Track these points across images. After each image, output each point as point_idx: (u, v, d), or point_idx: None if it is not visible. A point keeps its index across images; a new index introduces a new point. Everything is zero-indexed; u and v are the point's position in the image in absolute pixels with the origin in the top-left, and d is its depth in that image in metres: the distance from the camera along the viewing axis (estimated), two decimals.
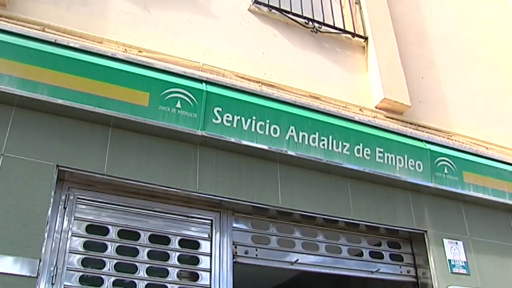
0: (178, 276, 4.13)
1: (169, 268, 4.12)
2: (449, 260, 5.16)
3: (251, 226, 4.60)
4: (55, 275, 3.69)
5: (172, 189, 4.18)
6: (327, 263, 4.81)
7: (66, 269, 3.77)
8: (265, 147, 4.52)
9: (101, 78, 4.07)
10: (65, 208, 3.92)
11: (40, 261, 3.54)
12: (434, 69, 6.67)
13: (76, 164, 3.92)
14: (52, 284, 3.66)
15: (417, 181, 5.19)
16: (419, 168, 5.22)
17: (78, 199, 4.01)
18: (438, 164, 5.37)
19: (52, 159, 3.84)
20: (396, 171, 5.07)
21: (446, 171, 5.40)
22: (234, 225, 4.49)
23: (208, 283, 4.17)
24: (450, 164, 5.45)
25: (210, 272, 4.21)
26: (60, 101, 3.89)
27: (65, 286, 3.72)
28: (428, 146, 5.41)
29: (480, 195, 5.56)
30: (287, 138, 4.61)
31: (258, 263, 4.49)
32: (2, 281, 3.37)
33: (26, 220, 3.59)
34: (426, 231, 5.20)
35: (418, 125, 5.92)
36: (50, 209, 3.74)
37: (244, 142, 4.44)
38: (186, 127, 4.25)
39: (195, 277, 4.20)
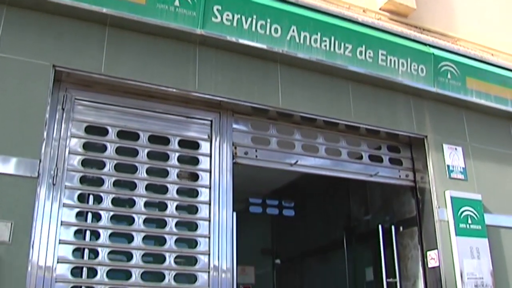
0: (178, 176, 4.16)
1: (169, 169, 4.14)
2: (448, 166, 5.20)
3: (251, 127, 4.60)
4: (56, 176, 3.72)
5: (171, 89, 4.14)
6: (327, 166, 4.85)
7: (67, 170, 3.79)
8: (265, 46, 4.42)
9: None
10: (63, 109, 3.89)
11: (40, 162, 3.56)
12: None
13: (73, 64, 3.86)
14: (53, 184, 3.69)
15: (419, 85, 5.14)
16: (422, 72, 5.14)
17: (76, 100, 3.97)
18: (442, 69, 5.28)
19: (48, 59, 3.77)
20: (398, 75, 5.00)
21: (449, 76, 5.32)
22: (234, 126, 4.48)
23: (207, 183, 4.21)
24: (454, 69, 5.36)
25: (210, 172, 4.24)
26: None
27: (66, 186, 3.75)
28: (432, 50, 5.30)
29: (482, 101, 5.53)
30: (288, 38, 4.50)
31: (258, 164, 4.52)
32: (4, 182, 3.41)
33: (24, 122, 3.58)
34: (426, 136, 5.21)
35: (423, 29, 5.77)
36: (48, 110, 3.71)
37: (244, 42, 4.34)
38: (184, 26, 4.14)
39: (195, 177, 4.23)
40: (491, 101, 5.58)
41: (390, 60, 4.97)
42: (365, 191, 6.08)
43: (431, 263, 4.92)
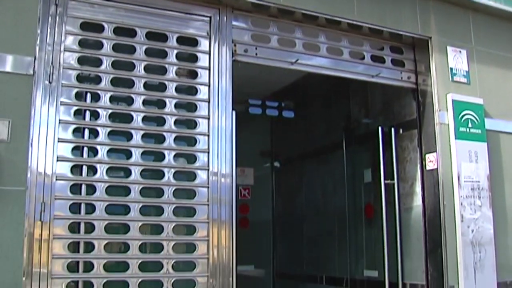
0: (176, 74, 4.09)
1: (167, 66, 4.07)
2: (451, 68, 5.12)
3: (251, 25, 4.47)
4: (52, 74, 3.65)
5: None
6: (328, 65, 4.77)
7: (63, 68, 3.71)
8: None
9: None
10: (56, 4, 3.75)
11: (35, 59, 3.50)
12: None
13: None
14: (50, 83, 3.63)
15: None
16: None
17: None
18: None
19: None
20: None
21: None
22: (234, 23, 4.35)
23: (207, 80, 4.15)
24: None
25: (209, 70, 4.17)
26: None
27: (63, 85, 3.69)
28: None
29: (491, 3, 5.37)
30: None
31: (258, 62, 4.44)
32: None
33: (16, 18, 3.49)
34: (430, 38, 5.09)
35: None
36: (41, 6, 3.60)
37: None
38: None
39: (193, 75, 4.16)
40: (500, 3, 5.41)
41: None
42: (366, 93, 6.03)
43: (429, 166, 4.96)
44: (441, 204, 4.79)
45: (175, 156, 3.97)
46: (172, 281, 3.82)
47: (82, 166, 3.73)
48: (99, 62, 3.87)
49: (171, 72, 4.07)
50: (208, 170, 4.04)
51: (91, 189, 3.71)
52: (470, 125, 5.00)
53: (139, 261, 3.74)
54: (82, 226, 3.66)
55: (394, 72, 5.10)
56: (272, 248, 7.88)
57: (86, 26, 3.85)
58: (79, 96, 3.77)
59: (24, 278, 3.32)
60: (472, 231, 4.80)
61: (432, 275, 4.81)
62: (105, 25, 3.91)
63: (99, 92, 3.83)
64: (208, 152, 4.05)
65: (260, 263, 7.87)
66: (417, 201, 5.07)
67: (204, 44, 4.20)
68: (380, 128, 5.27)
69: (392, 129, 5.25)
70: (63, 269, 3.51)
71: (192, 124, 4.09)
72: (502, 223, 5.07)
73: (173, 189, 3.92)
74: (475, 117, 5.04)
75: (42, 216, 3.45)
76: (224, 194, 4.07)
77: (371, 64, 4.97)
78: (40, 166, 3.50)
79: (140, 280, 3.72)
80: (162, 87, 4.04)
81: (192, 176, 4.02)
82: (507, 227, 5.12)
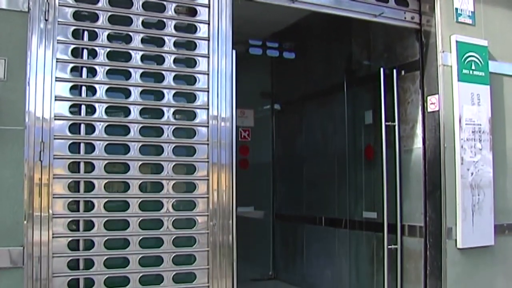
0: (176, 12, 4.00)
1: (165, 3, 3.96)
2: (456, 9, 5.01)
3: None
4: (48, 11, 3.56)
5: None
6: (330, 3, 4.64)
7: (59, 5, 3.62)
8: None
9: None
10: None
11: None
12: None
13: None
14: (46, 20, 3.56)
15: None
16: None
17: None
18: None
19: None
20: None
21: None
22: None
23: (206, 18, 4.06)
24: None
25: (209, 7, 4.07)
26: None
27: (59, 22, 3.60)
28: None
29: None
30: None
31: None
32: None
33: None
34: None
35: None
36: None
37: None
38: None
39: (193, 12, 4.07)
40: None
41: None
42: (368, 34, 5.92)
43: (431, 108, 4.92)
44: (441, 146, 4.78)
45: (174, 95, 3.93)
46: (172, 220, 3.85)
47: (80, 105, 3.69)
48: (95, 1, 3.76)
49: (170, 10, 3.97)
50: (208, 109, 3.99)
51: (90, 128, 3.68)
52: (473, 67, 4.93)
53: (139, 200, 3.76)
54: (82, 165, 3.65)
55: (398, 12, 4.98)
56: (272, 189, 7.95)
57: None
58: (77, 34, 3.68)
59: (25, 222, 3.34)
60: (472, 173, 4.81)
61: (431, 217, 4.85)
62: None
63: (96, 30, 3.74)
64: (208, 92, 4.00)
65: (260, 204, 7.96)
66: (418, 143, 5.06)
67: None
68: (382, 69, 5.19)
69: (394, 71, 5.18)
70: (63, 209, 3.52)
71: (192, 63, 4.02)
72: (501, 167, 5.08)
73: (173, 128, 3.90)
74: (479, 59, 4.97)
75: (41, 156, 3.44)
76: (224, 136, 4.04)
77: (374, 3, 4.84)
78: (38, 105, 3.47)
79: (140, 219, 3.75)
80: (161, 25, 3.95)
81: (192, 116, 3.98)
82: (506, 171, 5.13)
